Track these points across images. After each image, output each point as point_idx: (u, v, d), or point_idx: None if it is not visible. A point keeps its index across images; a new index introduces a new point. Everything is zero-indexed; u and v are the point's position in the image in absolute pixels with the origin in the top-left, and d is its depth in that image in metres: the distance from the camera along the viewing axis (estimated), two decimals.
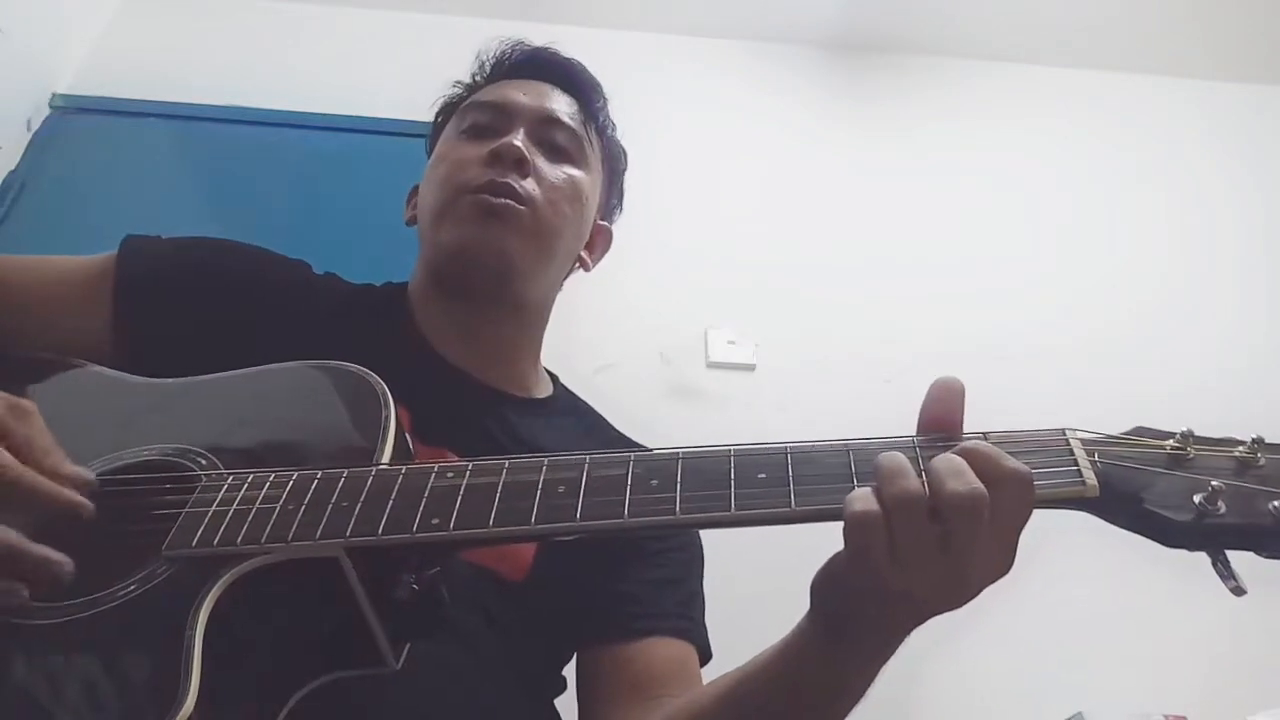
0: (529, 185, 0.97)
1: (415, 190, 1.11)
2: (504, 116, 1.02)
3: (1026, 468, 0.56)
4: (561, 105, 1.05)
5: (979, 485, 0.54)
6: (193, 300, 0.92)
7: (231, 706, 0.59)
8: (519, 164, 0.97)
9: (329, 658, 0.65)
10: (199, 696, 0.54)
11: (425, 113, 1.15)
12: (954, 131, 2.43)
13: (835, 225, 2.28)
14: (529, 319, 1.05)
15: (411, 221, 1.08)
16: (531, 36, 1.11)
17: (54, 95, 2.25)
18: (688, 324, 2.09)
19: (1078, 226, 2.31)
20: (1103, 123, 2.46)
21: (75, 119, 2.23)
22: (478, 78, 1.11)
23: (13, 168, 2.12)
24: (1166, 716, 1.50)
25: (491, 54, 1.10)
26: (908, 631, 0.62)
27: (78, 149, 2.18)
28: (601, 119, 1.10)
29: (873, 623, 0.61)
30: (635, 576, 0.90)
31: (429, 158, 1.11)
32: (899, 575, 0.55)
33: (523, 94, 1.04)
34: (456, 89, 1.12)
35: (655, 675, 0.85)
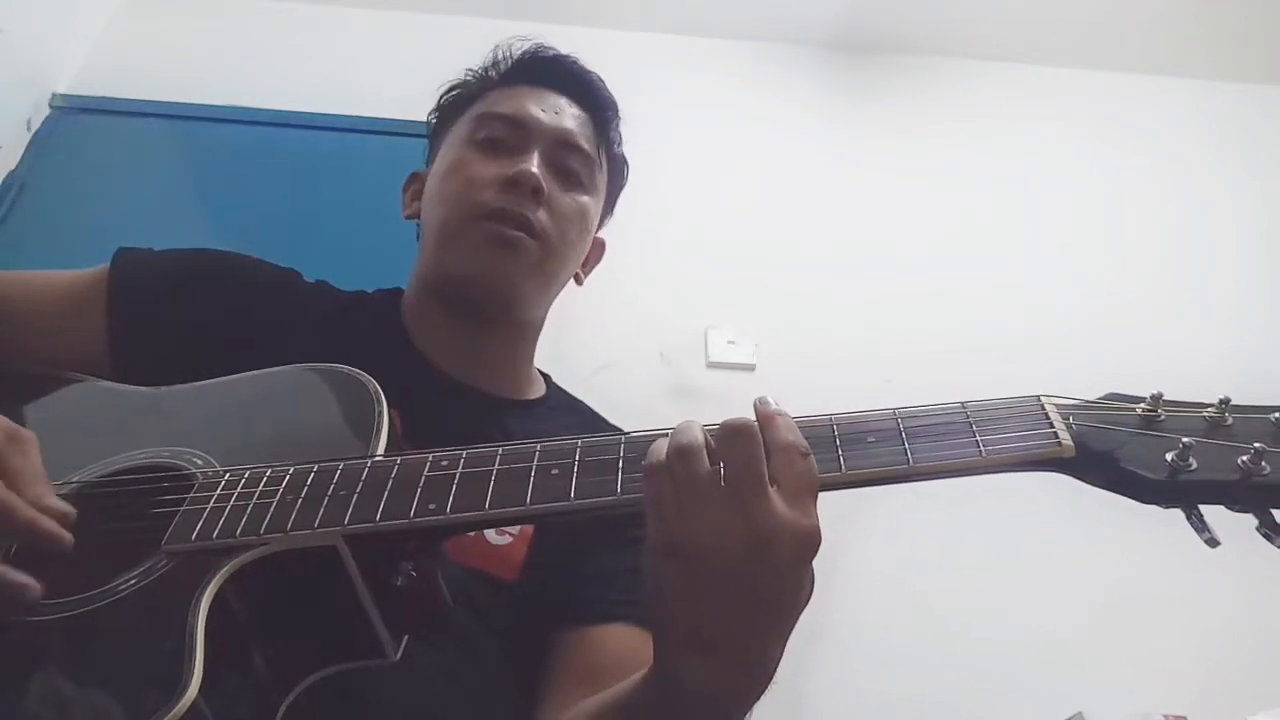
0: (542, 216, 0.97)
1: (414, 178, 1.09)
2: (521, 133, 1.00)
3: (801, 436, 0.58)
4: (578, 126, 1.03)
5: (748, 420, 0.57)
6: (185, 311, 0.92)
7: (235, 697, 0.59)
8: (535, 194, 0.97)
9: (329, 649, 0.65)
10: (203, 681, 0.54)
11: (425, 113, 1.15)
12: (954, 131, 2.43)
13: (836, 225, 2.28)
14: (524, 334, 1.05)
15: (412, 216, 1.07)
16: (531, 36, 1.10)
17: (54, 95, 2.25)
18: (688, 324, 2.10)
19: (1078, 226, 2.31)
20: (1103, 123, 2.46)
21: (75, 119, 2.24)
22: (492, 73, 1.08)
23: (13, 168, 2.13)
24: (1166, 716, 1.50)
25: (510, 53, 1.08)
26: (726, 618, 0.56)
27: (78, 149, 2.19)
28: (612, 137, 1.09)
29: (683, 598, 0.56)
30: (610, 563, 0.87)
31: (431, 148, 1.09)
32: (683, 522, 0.55)
33: (541, 110, 1.02)
34: (469, 78, 1.09)
35: (610, 663, 0.80)
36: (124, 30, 2.41)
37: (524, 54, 1.07)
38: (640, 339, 2.05)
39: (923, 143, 2.41)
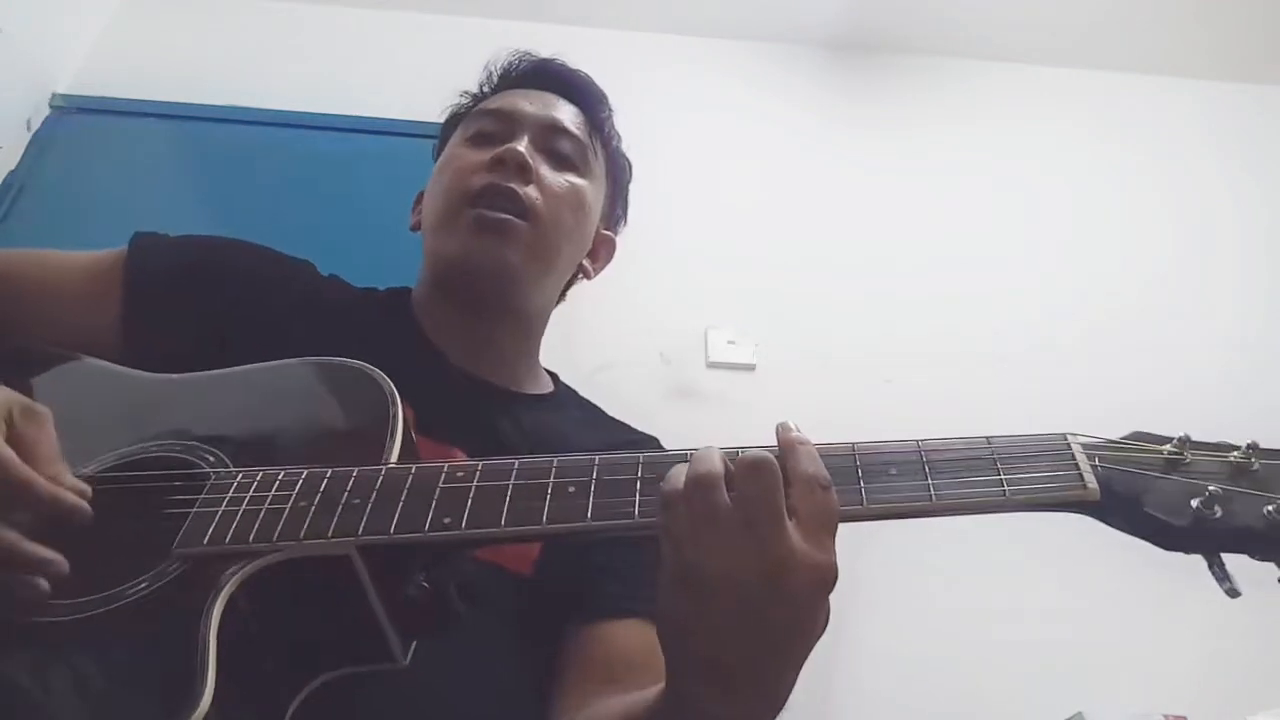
0: (530, 192, 0.98)
1: (421, 197, 1.11)
2: (509, 124, 1.03)
3: (822, 467, 0.57)
4: (567, 114, 1.06)
5: (767, 454, 0.56)
6: (201, 298, 0.92)
7: (244, 700, 0.59)
8: (521, 170, 0.98)
9: (339, 654, 0.65)
10: (215, 694, 0.54)
11: (426, 113, 1.15)
12: (954, 131, 2.43)
13: (836, 225, 2.28)
14: (529, 326, 1.06)
15: (416, 228, 1.09)
16: (533, 36, 1.11)
17: (54, 95, 2.25)
18: (688, 324, 2.09)
19: (1078, 226, 2.31)
20: (1103, 123, 2.46)
21: (75, 119, 2.23)
22: (485, 87, 1.11)
23: (13, 168, 2.13)
24: (1166, 716, 1.50)
25: (499, 64, 1.11)
26: (739, 649, 0.56)
27: (78, 149, 2.18)
28: (607, 129, 1.11)
29: (696, 628, 0.56)
30: (622, 558, 0.88)
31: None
32: (697, 548, 0.55)
33: (528, 103, 1.05)
34: (464, 99, 1.13)
35: (625, 659, 0.81)
36: (124, 30, 2.40)
37: (511, 61, 1.11)
38: (640, 339, 2.05)
39: (923, 143, 2.40)
